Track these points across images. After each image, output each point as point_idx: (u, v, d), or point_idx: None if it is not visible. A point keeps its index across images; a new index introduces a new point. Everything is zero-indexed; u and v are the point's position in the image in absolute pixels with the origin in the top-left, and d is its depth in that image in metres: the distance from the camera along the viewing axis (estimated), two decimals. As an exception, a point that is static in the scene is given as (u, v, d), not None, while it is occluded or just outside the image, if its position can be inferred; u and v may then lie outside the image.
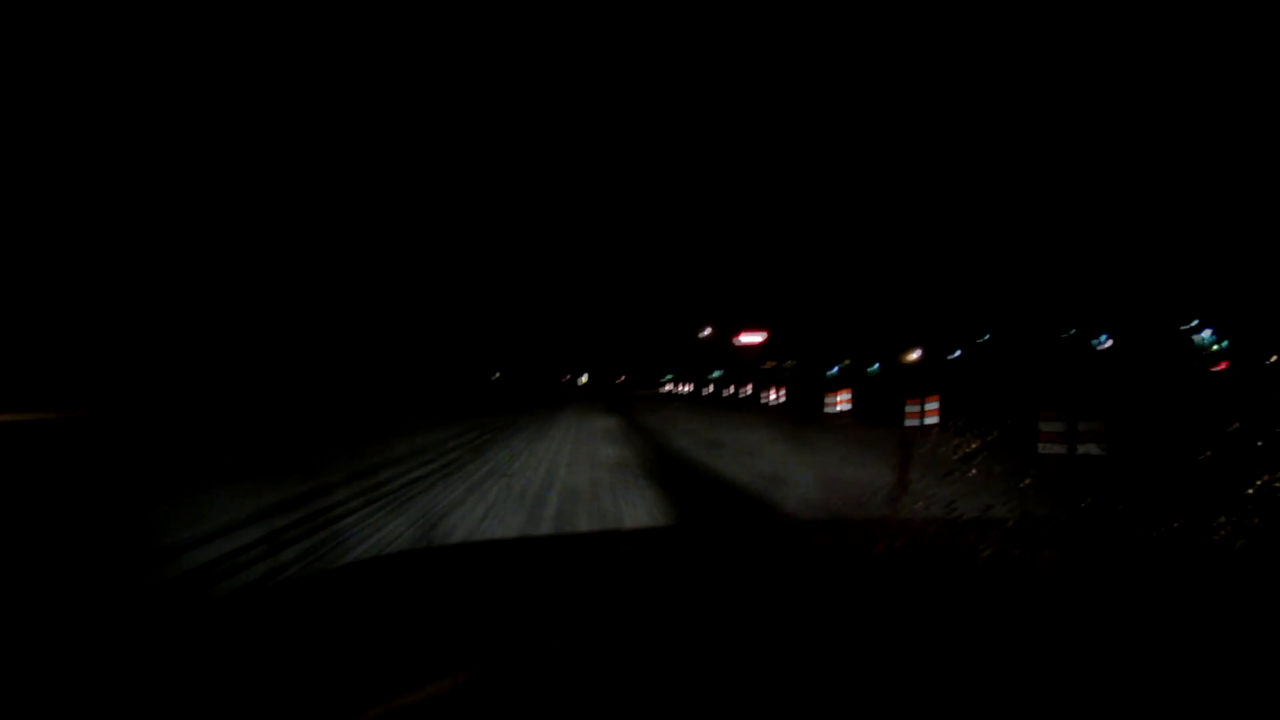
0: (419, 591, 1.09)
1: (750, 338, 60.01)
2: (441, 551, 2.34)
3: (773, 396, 24.39)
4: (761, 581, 1.08)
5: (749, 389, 31.73)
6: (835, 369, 55.21)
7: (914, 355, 51.86)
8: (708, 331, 70.16)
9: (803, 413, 17.91)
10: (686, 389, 48.44)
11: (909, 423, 12.68)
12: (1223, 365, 27.62)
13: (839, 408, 17.30)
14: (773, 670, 0.71)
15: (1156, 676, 0.71)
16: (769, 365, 64.38)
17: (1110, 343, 35.19)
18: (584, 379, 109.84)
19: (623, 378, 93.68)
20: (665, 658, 0.75)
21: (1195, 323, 31.95)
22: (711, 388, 41.81)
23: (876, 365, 52.00)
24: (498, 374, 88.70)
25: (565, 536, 3.22)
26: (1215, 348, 30.81)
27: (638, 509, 4.96)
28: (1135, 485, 6.03)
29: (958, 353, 46.90)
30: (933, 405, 12.66)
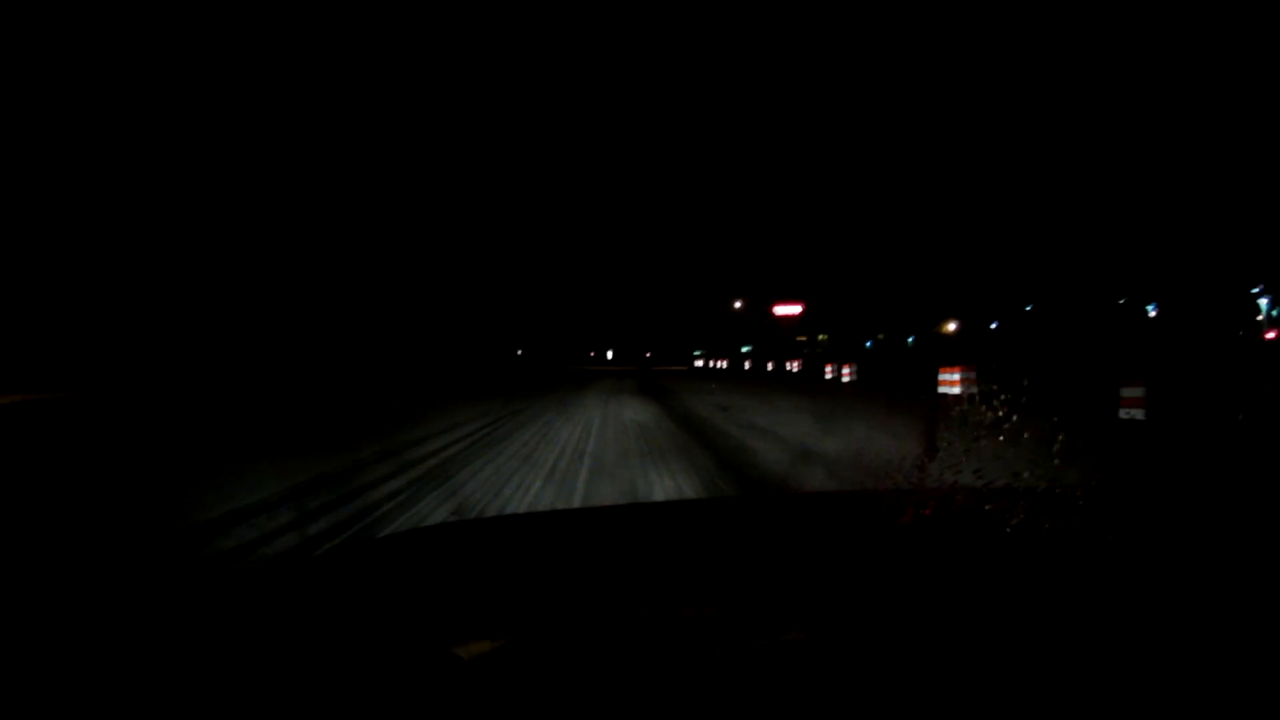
0: (454, 562, 1.14)
1: (787, 309, 58.96)
2: (477, 524, 2.42)
3: (845, 373, 20.68)
4: (790, 552, 1.09)
5: (795, 365, 30.30)
6: (869, 343, 54.24)
7: (950, 327, 50.61)
8: (739, 304, 69.18)
9: (890, 393, 14.08)
10: (722, 364, 47.07)
11: (1126, 412, 8.48)
12: (1275, 333, 26.40)
13: (957, 389, 12.66)
14: (801, 641, 0.72)
15: (1182, 652, 0.70)
16: (801, 339, 63.37)
17: (1156, 311, 33.78)
18: (610, 355, 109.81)
19: (650, 353, 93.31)
20: (691, 627, 0.76)
21: (1260, 288, 30.43)
22: (749, 364, 40.75)
23: (912, 338, 50.92)
24: (520, 351, 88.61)
25: (597, 510, 3.29)
26: (1274, 313, 29.39)
27: None
28: (1170, 454, 5.81)
29: (995, 324, 45.61)
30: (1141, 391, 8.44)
